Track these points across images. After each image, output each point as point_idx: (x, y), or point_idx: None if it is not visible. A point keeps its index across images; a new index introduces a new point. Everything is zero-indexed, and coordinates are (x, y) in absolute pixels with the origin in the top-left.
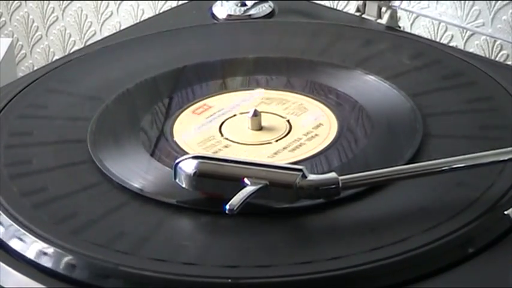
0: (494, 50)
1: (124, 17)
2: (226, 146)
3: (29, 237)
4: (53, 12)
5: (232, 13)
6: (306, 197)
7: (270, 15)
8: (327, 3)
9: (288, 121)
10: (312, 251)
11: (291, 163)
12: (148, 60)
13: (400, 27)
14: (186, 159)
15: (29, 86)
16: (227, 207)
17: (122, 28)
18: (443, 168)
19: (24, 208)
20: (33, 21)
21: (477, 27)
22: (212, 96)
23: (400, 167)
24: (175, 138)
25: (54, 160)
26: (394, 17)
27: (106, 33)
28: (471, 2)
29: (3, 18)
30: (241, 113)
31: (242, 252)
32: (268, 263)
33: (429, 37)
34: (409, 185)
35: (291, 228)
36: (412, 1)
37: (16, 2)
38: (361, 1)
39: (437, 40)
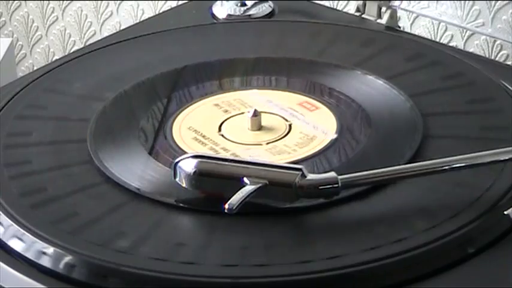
0: (494, 50)
1: (124, 17)
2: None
3: (28, 237)
4: (53, 12)
5: (232, 13)
6: (305, 197)
7: (270, 15)
8: (327, 3)
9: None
10: (311, 251)
11: (290, 162)
12: (148, 60)
13: (400, 27)
14: (185, 158)
15: (28, 85)
16: (226, 206)
17: (122, 28)
18: (444, 168)
19: (23, 208)
20: (33, 21)
21: (477, 27)
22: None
23: (400, 167)
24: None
25: (52, 160)
26: (394, 16)
27: (106, 33)
28: (471, 2)
29: (3, 18)
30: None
31: (241, 252)
32: (268, 263)
33: (429, 37)
34: (409, 185)
35: (291, 228)
36: (412, 1)
37: (16, 2)
38: (361, 1)
39: (437, 40)
